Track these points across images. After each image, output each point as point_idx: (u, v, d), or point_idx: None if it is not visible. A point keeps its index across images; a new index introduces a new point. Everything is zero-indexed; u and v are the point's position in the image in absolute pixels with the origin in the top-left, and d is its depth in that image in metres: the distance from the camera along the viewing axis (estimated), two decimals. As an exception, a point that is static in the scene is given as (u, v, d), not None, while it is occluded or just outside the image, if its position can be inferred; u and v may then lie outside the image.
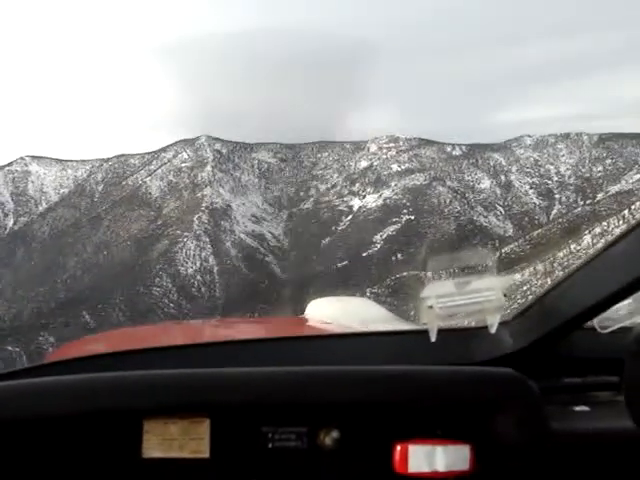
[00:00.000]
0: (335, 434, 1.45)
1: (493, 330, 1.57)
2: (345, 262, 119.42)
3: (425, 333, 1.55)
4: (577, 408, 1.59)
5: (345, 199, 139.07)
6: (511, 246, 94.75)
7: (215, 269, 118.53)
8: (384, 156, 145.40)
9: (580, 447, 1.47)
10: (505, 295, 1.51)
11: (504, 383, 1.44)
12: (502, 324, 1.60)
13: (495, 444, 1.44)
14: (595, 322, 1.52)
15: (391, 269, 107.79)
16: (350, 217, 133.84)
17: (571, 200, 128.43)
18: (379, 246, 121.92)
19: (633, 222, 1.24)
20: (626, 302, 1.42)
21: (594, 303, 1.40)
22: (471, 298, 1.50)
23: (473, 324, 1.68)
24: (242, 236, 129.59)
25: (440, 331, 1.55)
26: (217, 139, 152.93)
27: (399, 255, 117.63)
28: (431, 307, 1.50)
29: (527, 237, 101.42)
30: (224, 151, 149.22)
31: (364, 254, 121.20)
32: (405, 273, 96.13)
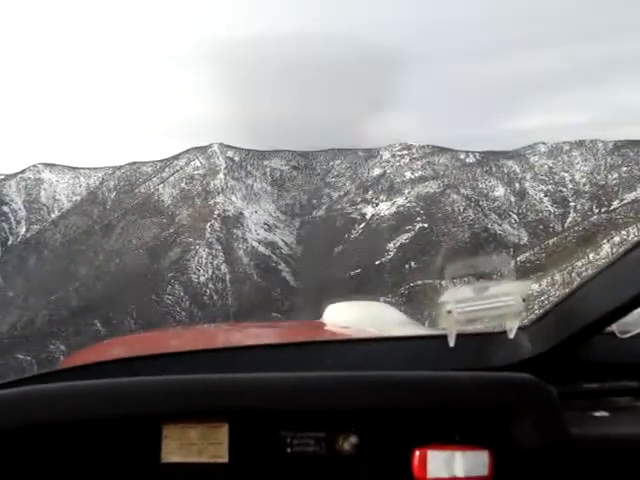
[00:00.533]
0: (354, 439, 1.45)
1: (512, 335, 1.57)
2: (358, 270, 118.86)
3: (444, 338, 1.56)
4: (596, 413, 1.59)
5: (358, 207, 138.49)
6: (526, 254, 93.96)
7: (227, 277, 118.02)
8: (397, 163, 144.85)
9: (599, 453, 1.47)
10: (524, 300, 1.51)
11: (523, 388, 1.44)
12: (521, 329, 1.61)
13: (514, 450, 1.43)
14: (615, 327, 1.52)
15: (405, 277, 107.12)
16: (363, 225, 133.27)
17: (586, 208, 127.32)
18: (392, 254, 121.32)
19: None
20: None
21: (614, 308, 1.40)
22: (490, 303, 1.51)
23: (492, 329, 1.68)
24: (254, 244, 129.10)
25: (459, 336, 1.55)
26: (229, 146, 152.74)
27: (413, 263, 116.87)
28: (450, 312, 1.51)
29: (542, 245, 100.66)
30: (236, 159, 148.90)
31: (377, 262, 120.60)
32: (419, 282, 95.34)
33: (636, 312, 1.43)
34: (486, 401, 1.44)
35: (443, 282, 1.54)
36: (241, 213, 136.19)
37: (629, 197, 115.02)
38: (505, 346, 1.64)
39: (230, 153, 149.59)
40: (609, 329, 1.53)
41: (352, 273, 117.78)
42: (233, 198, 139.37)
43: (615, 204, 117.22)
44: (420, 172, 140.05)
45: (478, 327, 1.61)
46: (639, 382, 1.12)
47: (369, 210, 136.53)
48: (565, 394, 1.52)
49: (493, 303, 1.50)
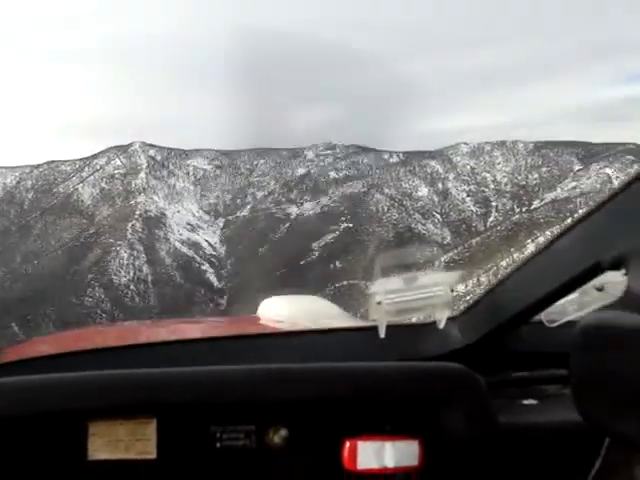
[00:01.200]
0: (284, 432, 1.45)
1: (442, 325, 1.58)
2: (283, 270, 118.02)
3: (374, 329, 1.57)
4: (525, 402, 1.62)
5: (282, 206, 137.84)
6: (450, 254, 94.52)
7: (149, 278, 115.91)
8: (321, 163, 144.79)
9: (528, 440, 1.50)
10: (453, 290, 1.53)
11: (452, 378, 1.45)
12: (451, 320, 1.63)
13: (443, 439, 1.45)
14: (543, 316, 1.55)
15: (330, 277, 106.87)
16: (288, 225, 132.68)
17: (508, 208, 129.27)
18: (317, 254, 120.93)
19: (577, 216, 1.26)
20: (572, 296, 1.45)
21: (540, 297, 1.42)
22: (419, 294, 1.52)
23: (422, 320, 1.69)
24: (177, 244, 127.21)
25: (389, 327, 1.56)
26: (151, 145, 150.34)
27: (338, 263, 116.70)
28: (380, 303, 1.51)
29: (466, 245, 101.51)
30: (158, 157, 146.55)
31: (302, 262, 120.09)
32: (345, 282, 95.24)
33: (562, 301, 1.46)
34: (415, 391, 1.46)
35: (368, 283, 1.52)
36: (163, 213, 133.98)
37: (549, 197, 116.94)
38: (435, 337, 1.65)
39: (152, 152, 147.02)
40: (537, 318, 1.56)
41: (277, 273, 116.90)
42: (155, 198, 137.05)
43: (536, 204, 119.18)
44: (344, 172, 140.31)
45: (408, 318, 1.62)
46: (567, 370, 1.16)
47: (294, 210, 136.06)
48: (494, 383, 1.54)
49: (422, 294, 1.52)
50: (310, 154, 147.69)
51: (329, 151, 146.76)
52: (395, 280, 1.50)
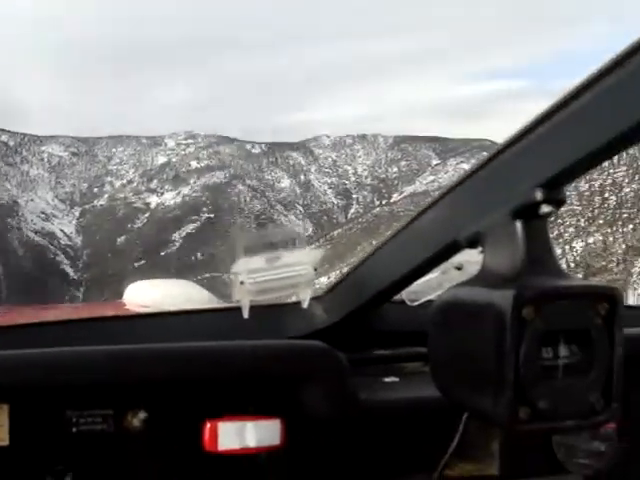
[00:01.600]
0: (142, 415, 1.42)
1: (305, 305, 1.58)
2: (142, 262, 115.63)
3: (238, 310, 1.54)
4: (387, 379, 1.64)
5: (142, 196, 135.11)
6: (312, 246, 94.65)
7: (0, 269, 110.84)
8: (183, 152, 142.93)
9: (388, 417, 1.52)
10: (316, 269, 1.52)
11: (312, 356, 1.46)
12: (315, 299, 1.62)
13: (305, 417, 1.46)
14: (404, 295, 1.58)
15: (191, 269, 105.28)
16: (147, 215, 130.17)
17: (368, 200, 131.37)
18: (178, 245, 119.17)
19: (435, 196, 1.29)
20: (433, 275, 1.48)
21: (401, 276, 1.42)
22: (282, 273, 1.51)
23: (286, 300, 1.67)
24: (30, 234, 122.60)
25: (253, 307, 1.54)
26: (3, 130, 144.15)
27: (199, 255, 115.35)
28: (242, 283, 1.49)
29: (327, 237, 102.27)
30: (11, 143, 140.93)
31: (162, 253, 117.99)
32: (207, 274, 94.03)
33: (423, 280, 1.48)
34: (275, 369, 1.46)
35: (232, 276, 1.48)
36: (15, 201, 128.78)
37: (408, 190, 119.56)
38: (299, 316, 1.65)
39: (4, 137, 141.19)
40: (399, 298, 1.58)
41: (136, 265, 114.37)
42: (7, 185, 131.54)
43: (395, 197, 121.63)
44: (206, 162, 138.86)
45: (272, 297, 1.59)
46: (427, 348, 1.17)
47: (154, 199, 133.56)
48: (356, 361, 1.56)
49: (285, 273, 1.51)
50: (171, 142, 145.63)
51: (190, 140, 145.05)
52: (257, 259, 1.47)
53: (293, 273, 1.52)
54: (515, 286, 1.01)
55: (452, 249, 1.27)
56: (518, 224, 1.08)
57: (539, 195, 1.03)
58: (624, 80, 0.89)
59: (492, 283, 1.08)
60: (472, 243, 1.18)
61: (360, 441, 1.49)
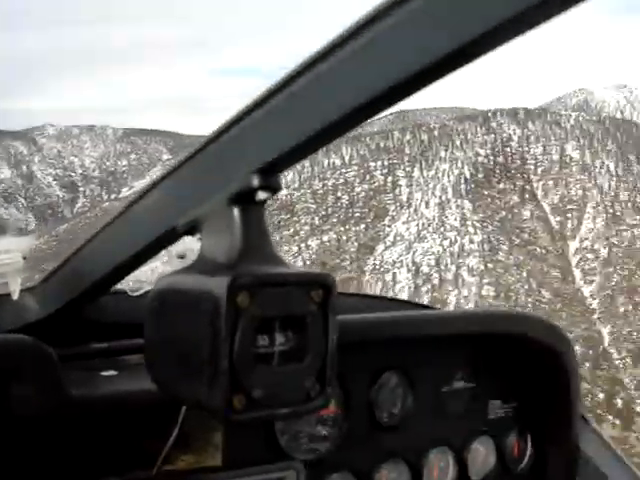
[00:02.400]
0: None
1: (16, 296, 1.51)
2: None
3: None
4: (104, 373, 1.58)
5: None
6: (36, 242, 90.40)
7: None
8: None
9: (103, 412, 1.48)
10: (25, 258, 1.46)
11: (19, 351, 1.39)
12: (27, 290, 1.56)
13: (14, 414, 1.38)
14: (127, 285, 1.54)
15: None
16: None
17: (96, 194, 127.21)
18: None
19: (150, 182, 1.25)
20: (156, 264, 1.45)
21: (118, 266, 1.38)
22: None
23: None
24: None
25: None
26: None
27: None
28: None
29: (54, 232, 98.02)
30: None
31: None
32: None
33: (146, 269, 1.45)
34: None
35: None
36: None
37: (138, 184, 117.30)
38: (9, 309, 1.57)
39: None
40: (121, 288, 1.55)
41: None
42: None
43: (125, 191, 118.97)
44: None
45: None
46: (143, 339, 1.14)
47: None
48: (70, 356, 1.51)
49: None
50: None
51: None
52: None
53: (0, 262, 1.42)
54: (230, 273, 0.99)
55: (171, 236, 1.24)
56: (235, 210, 1.06)
57: (255, 181, 1.02)
58: (336, 67, 0.89)
59: (209, 270, 1.05)
60: (190, 231, 1.16)
61: (74, 438, 1.43)
